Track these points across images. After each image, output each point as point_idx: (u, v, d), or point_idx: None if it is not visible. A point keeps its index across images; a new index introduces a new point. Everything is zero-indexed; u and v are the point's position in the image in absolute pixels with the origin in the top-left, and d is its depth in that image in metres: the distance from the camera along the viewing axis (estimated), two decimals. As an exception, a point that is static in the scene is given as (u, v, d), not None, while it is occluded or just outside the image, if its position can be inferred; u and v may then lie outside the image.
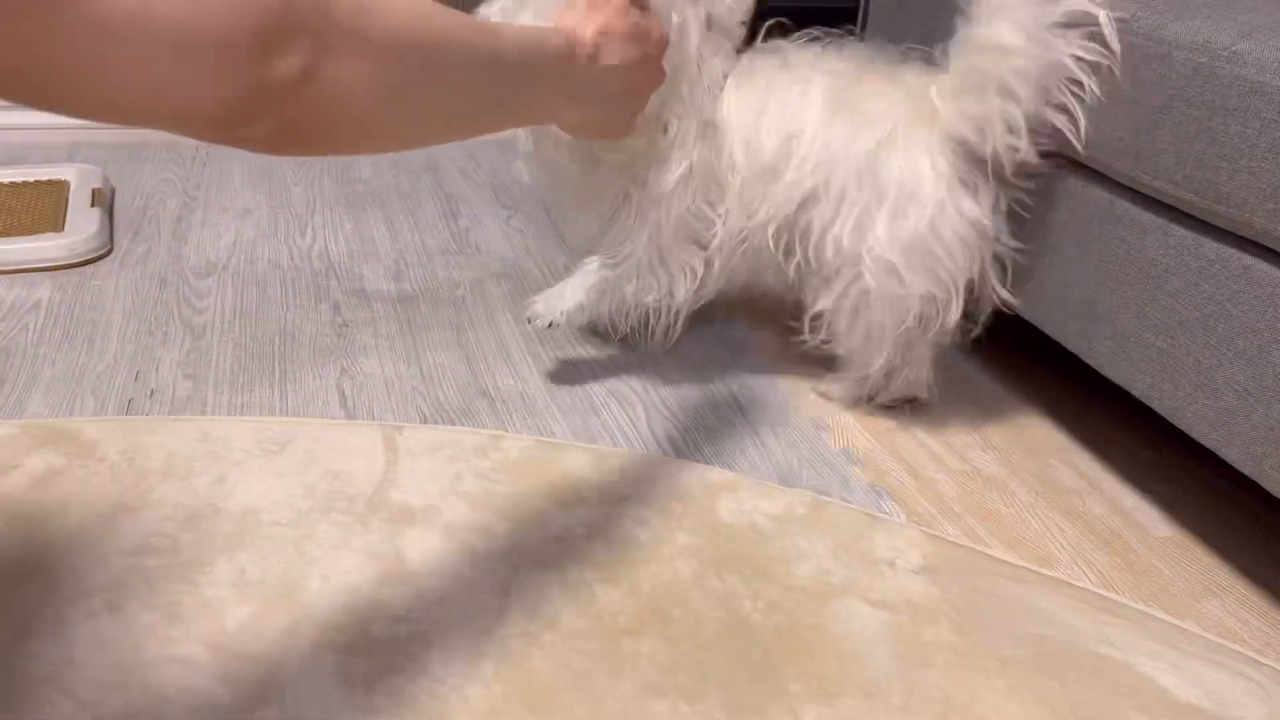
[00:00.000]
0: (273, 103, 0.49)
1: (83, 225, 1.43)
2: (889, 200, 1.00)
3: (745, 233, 1.08)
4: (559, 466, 1.00)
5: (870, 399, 1.15)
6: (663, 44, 0.86)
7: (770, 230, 1.07)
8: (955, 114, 0.99)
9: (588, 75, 0.77)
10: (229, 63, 0.46)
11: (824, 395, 1.19)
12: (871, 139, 1.00)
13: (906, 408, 1.16)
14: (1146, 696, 0.78)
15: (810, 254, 1.06)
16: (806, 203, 1.04)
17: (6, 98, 0.43)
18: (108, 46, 0.43)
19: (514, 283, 1.44)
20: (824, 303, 1.08)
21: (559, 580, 0.85)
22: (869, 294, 1.03)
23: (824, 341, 1.12)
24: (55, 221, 1.43)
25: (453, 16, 0.60)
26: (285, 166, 1.86)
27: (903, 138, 1.00)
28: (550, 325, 1.13)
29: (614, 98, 0.82)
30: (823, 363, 1.19)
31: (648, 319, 1.17)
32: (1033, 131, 0.96)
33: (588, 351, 1.26)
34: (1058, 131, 0.97)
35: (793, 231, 1.07)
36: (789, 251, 1.08)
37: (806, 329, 1.12)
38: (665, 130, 1.00)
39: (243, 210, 1.63)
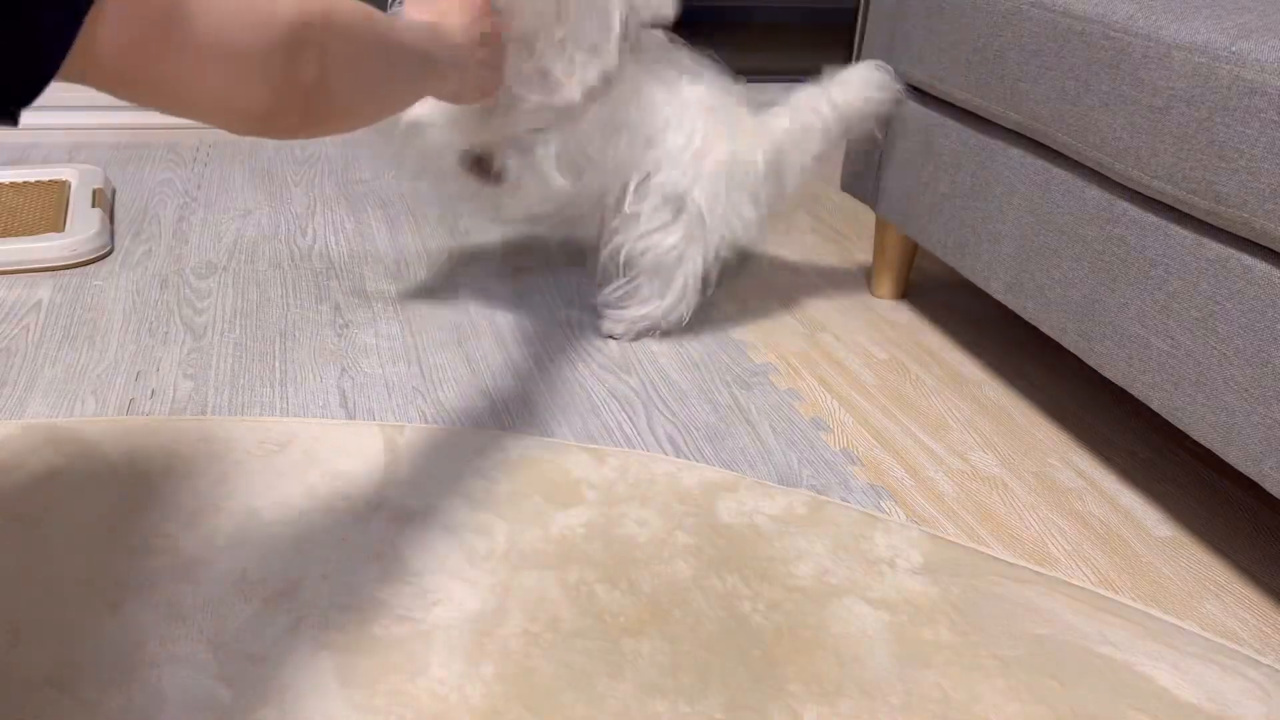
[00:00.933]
0: (300, 99, 0.65)
1: (84, 226, 1.43)
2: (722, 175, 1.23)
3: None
4: (559, 466, 1.01)
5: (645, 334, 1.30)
6: (498, 26, 1.06)
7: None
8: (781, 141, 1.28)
9: (452, 54, 0.95)
10: (272, 70, 0.62)
11: (610, 334, 1.30)
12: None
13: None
14: (1146, 696, 0.78)
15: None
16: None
17: (120, 96, 0.58)
18: (199, 62, 0.58)
19: (514, 283, 1.44)
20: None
21: (559, 580, 0.85)
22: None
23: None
24: (56, 222, 1.44)
25: (384, 19, 0.76)
26: (286, 167, 1.86)
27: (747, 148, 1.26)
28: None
29: (471, 69, 1.00)
30: (819, 364, 1.19)
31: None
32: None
33: (588, 351, 1.26)
34: None
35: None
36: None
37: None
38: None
39: (243, 211, 1.63)
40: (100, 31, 0.53)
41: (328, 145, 2.01)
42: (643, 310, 1.28)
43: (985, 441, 1.13)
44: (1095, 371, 1.02)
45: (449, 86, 0.98)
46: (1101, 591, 0.89)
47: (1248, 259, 0.84)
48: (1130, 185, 0.96)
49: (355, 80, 0.72)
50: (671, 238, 1.22)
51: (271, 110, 0.63)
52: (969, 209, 1.21)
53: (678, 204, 1.21)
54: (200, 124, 1.97)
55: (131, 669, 0.73)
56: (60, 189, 1.55)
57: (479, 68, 1.02)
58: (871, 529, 0.95)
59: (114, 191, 1.66)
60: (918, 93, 1.33)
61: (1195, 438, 0.90)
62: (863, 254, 1.64)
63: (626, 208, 1.22)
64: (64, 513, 0.89)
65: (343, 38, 0.68)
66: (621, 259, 1.25)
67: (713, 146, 1.23)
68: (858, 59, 1.39)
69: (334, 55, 0.67)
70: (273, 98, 0.63)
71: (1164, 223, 0.92)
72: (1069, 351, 1.06)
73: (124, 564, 0.83)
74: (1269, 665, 0.82)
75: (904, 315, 1.43)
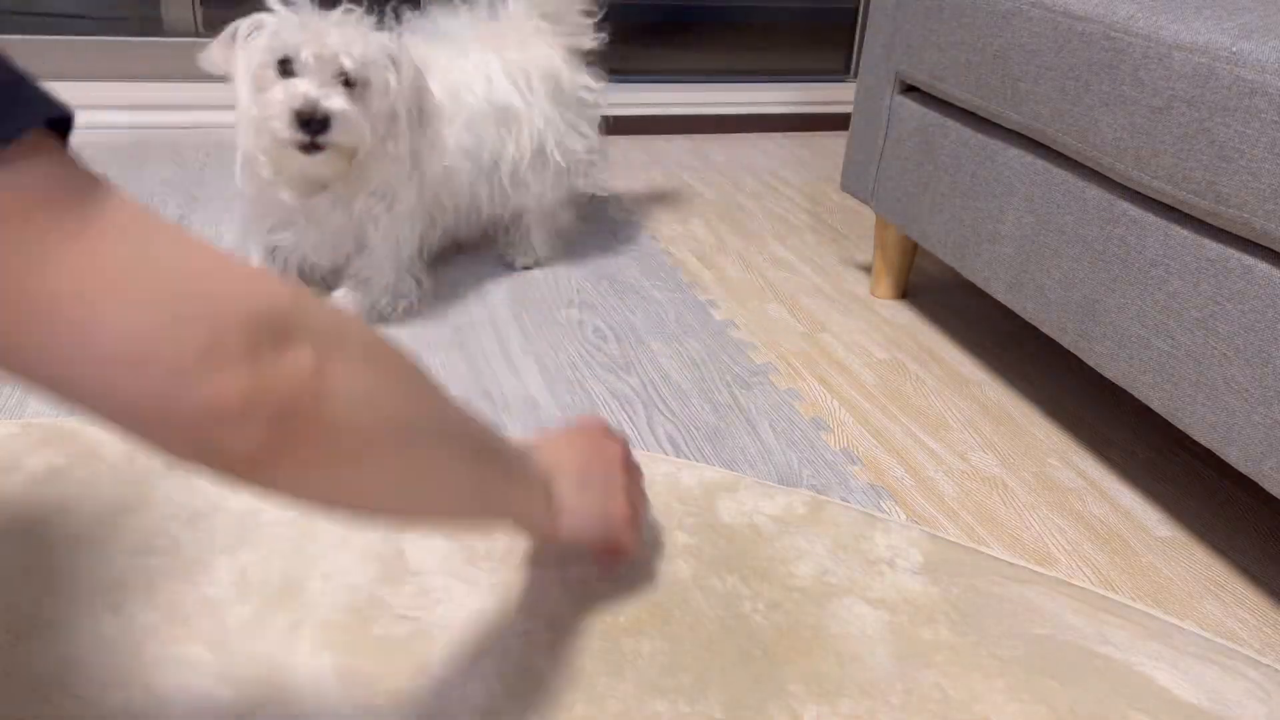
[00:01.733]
0: (273, 398, 0.43)
1: (83, 226, 1.42)
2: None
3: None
4: (559, 466, 1.01)
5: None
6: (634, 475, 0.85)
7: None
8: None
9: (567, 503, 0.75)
10: (219, 353, 0.41)
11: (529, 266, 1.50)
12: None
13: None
14: (1146, 696, 0.78)
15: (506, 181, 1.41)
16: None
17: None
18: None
19: (514, 283, 1.44)
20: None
21: (559, 580, 0.85)
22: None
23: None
24: (56, 222, 1.43)
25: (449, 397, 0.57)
26: (285, 167, 1.86)
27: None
28: None
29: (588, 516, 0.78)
30: (819, 364, 1.19)
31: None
32: None
33: (588, 351, 1.26)
34: None
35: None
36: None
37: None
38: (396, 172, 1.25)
39: (243, 211, 1.63)
40: None
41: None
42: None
43: (985, 441, 1.13)
44: (1095, 371, 1.02)
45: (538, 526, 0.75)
46: (1102, 591, 0.89)
47: (1248, 259, 0.84)
48: (1130, 185, 0.96)
49: (380, 408, 0.49)
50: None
51: (220, 410, 0.41)
52: (969, 209, 1.21)
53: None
54: (201, 124, 1.93)
55: (132, 669, 0.73)
56: (60, 189, 1.55)
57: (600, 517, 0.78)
58: (871, 529, 0.95)
59: (114, 191, 1.65)
60: (918, 92, 1.33)
61: (1195, 438, 0.90)
62: (863, 254, 1.64)
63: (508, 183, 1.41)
64: (64, 513, 0.89)
65: (365, 346, 0.49)
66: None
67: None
68: (858, 59, 1.40)
69: (344, 356, 0.47)
70: (223, 390, 0.41)
71: (1164, 223, 0.92)
72: (1069, 351, 1.06)
73: (124, 564, 0.83)
74: (1269, 665, 0.82)
75: (904, 315, 1.43)
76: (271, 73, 1.14)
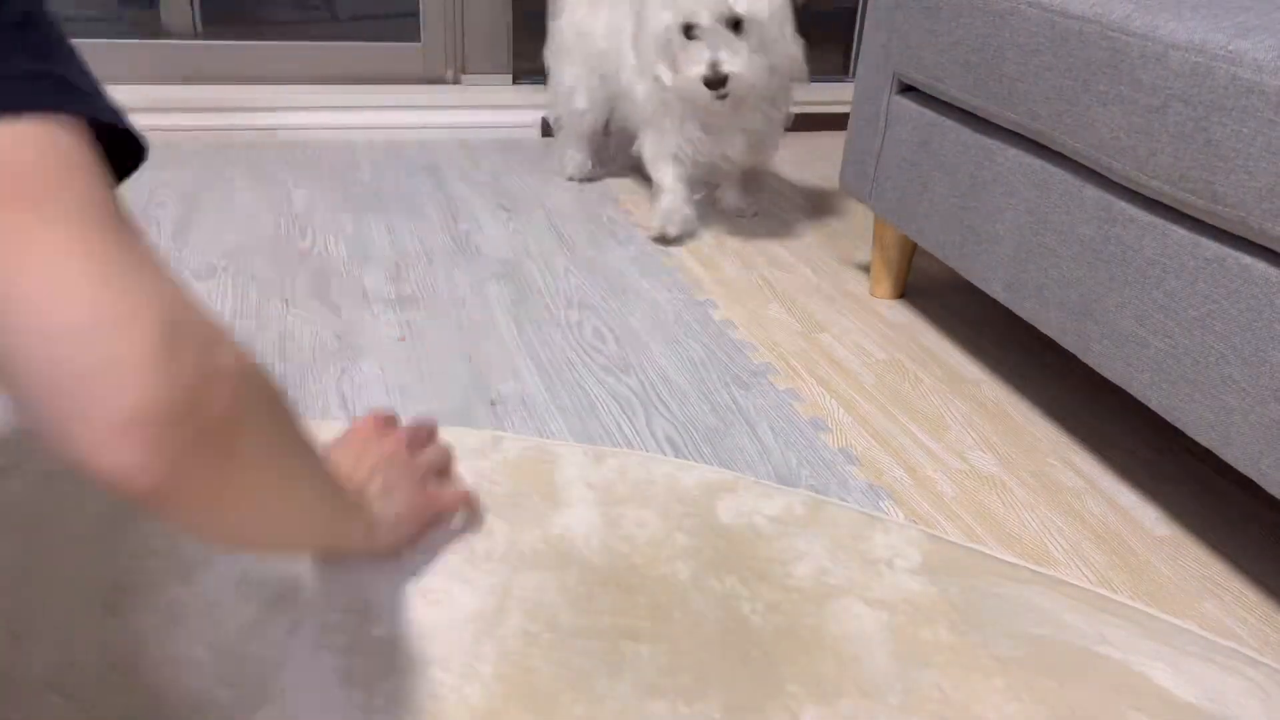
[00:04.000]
0: (193, 406, 0.43)
1: (83, 228, 1.43)
2: None
3: None
4: (559, 466, 1.01)
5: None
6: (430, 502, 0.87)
7: None
8: None
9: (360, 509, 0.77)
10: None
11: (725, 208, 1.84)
12: None
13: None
14: (1145, 696, 0.78)
15: None
16: None
17: None
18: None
19: (514, 284, 1.45)
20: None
21: (558, 581, 0.85)
22: None
23: None
24: (55, 224, 1.43)
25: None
26: (286, 169, 1.86)
27: None
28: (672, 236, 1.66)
29: (382, 527, 0.81)
30: (818, 364, 1.19)
31: None
32: None
33: (588, 352, 1.26)
34: None
35: None
36: None
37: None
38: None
39: (243, 212, 1.63)
40: None
41: (328, 148, 2.01)
42: None
43: (984, 441, 1.13)
44: (1094, 371, 1.03)
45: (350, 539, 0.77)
46: (1100, 591, 0.89)
47: (1245, 258, 0.84)
48: (1128, 185, 0.96)
49: (267, 456, 0.51)
50: None
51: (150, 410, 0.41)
52: (967, 209, 1.21)
53: None
54: (201, 125, 1.94)
55: (131, 671, 0.73)
56: (59, 191, 1.55)
57: (392, 525, 0.81)
58: (870, 529, 0.95)
59: (113, 193, 1.66)
60: (916, 92, 1.33)
61: (1194, 437, 0.90)
62: (861, 254, 1.65)
63: None
64: (63, 514, 0.89)
65: (256, 385, 0.50)
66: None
67: None
68: (856, 59, 1.41)
69: (242, 388, 0.47)
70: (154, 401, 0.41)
71: (1162, 222, 0.93)
72: (1067, 351, 1.06)
73: (123, 565, 0.83)
74: (1268, 664, 0.82)
75: (903, 315, 1.43)
76: (678, 37, 1.45)
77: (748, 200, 1.80)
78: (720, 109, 1.50)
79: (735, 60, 1.42)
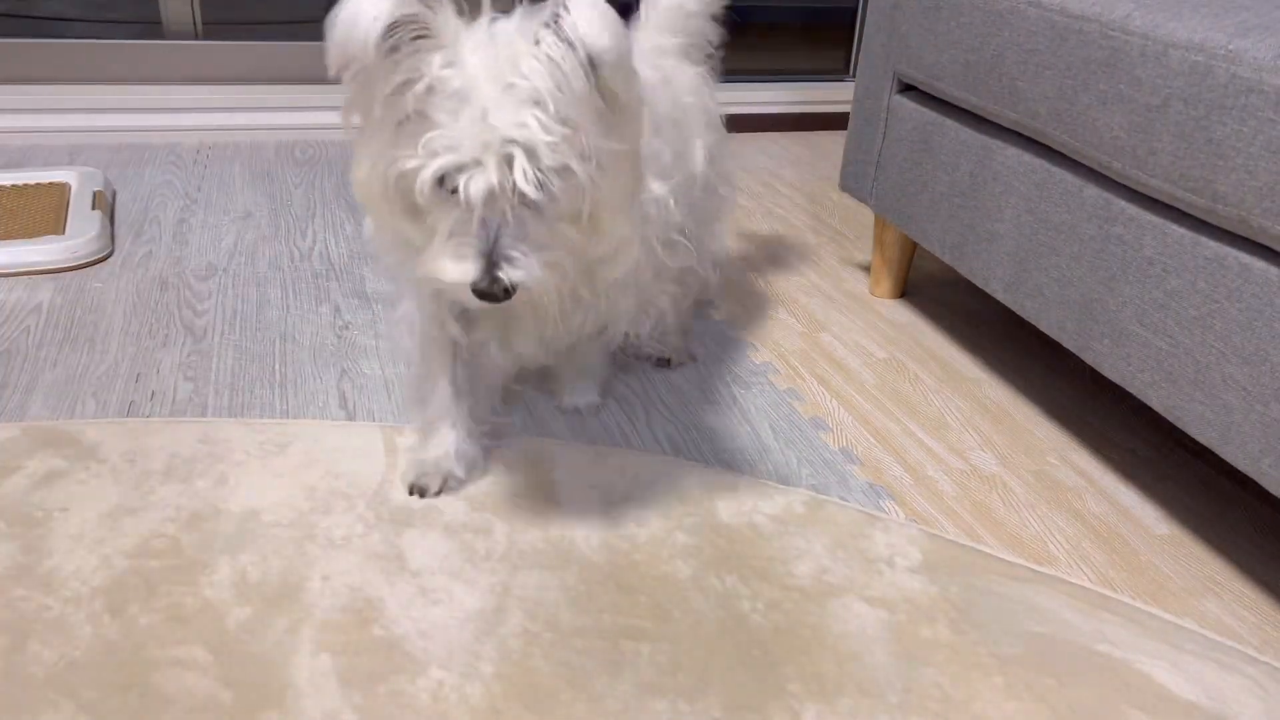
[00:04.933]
0: None
1: (83, 228, 1.43)
2: None
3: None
4: (559, 466, 1.01)
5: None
6: None
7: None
8: None
9: None
10: None
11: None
12: None
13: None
14: (1144, 694, 0.78)
15: None
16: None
17: None
18: None
19: (514, 284, 1.44)
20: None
21: (558, 580, 0.85)
22: None
23: None
24: (56, 224, 1.44)
25: None
26: (286, 169, 1.86)
27: None
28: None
29: None
30: (818, 363, 1.19)
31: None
32: None
33: (587, 352, 1.26)
34: None
35: None
36: None
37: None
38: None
39: (243, 212, 1.63)
40: None
41: (328, 148, 2.01)
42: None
43: (984, 440, 1.13)
44: (1094, 370, 1.02)
45: None
46: (1100, 590, 0.89)
47: (1245, 257, 0.84)
48: (1128, 184, 0.96)
49: None
50: None
51: None
52: (967, 208, 1.21)
53: None
54: (201, 125, 1.93)
55: (132, 671, 0.73)
56: (60, 191, 1.55)
57: None
58: (871, 528, 0.95)
59: (114, 194, 1.66)
60: (916, 92, 1.33)
61: (1194, 436, 0.90)
62: (861, 253, 1.65)
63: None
64: (64, 514, 0.89)
65: None
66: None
67: None
68: (857, 58, 1.38)
69: None
70: None
71: (1162, 221, 0.92)
72: (1068, 350, 1.06)
73: (124, 566, 0.83)
74: (1267, 663, 0.82)
75: (903, 314, 1.43)
76: (434, 191, 0.76)
77: (597, 391, 1.14)
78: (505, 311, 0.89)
79: (527, 262, 0.76)
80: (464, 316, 0.94)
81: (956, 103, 1.22)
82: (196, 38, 2.21)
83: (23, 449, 0.97)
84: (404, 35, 0.72)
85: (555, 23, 0.72)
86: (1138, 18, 0.93)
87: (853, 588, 0.87)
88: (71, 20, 2.19)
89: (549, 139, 0.72)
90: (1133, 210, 0.96)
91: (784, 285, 1.51)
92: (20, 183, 1.58)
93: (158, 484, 0.94)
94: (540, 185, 0.73)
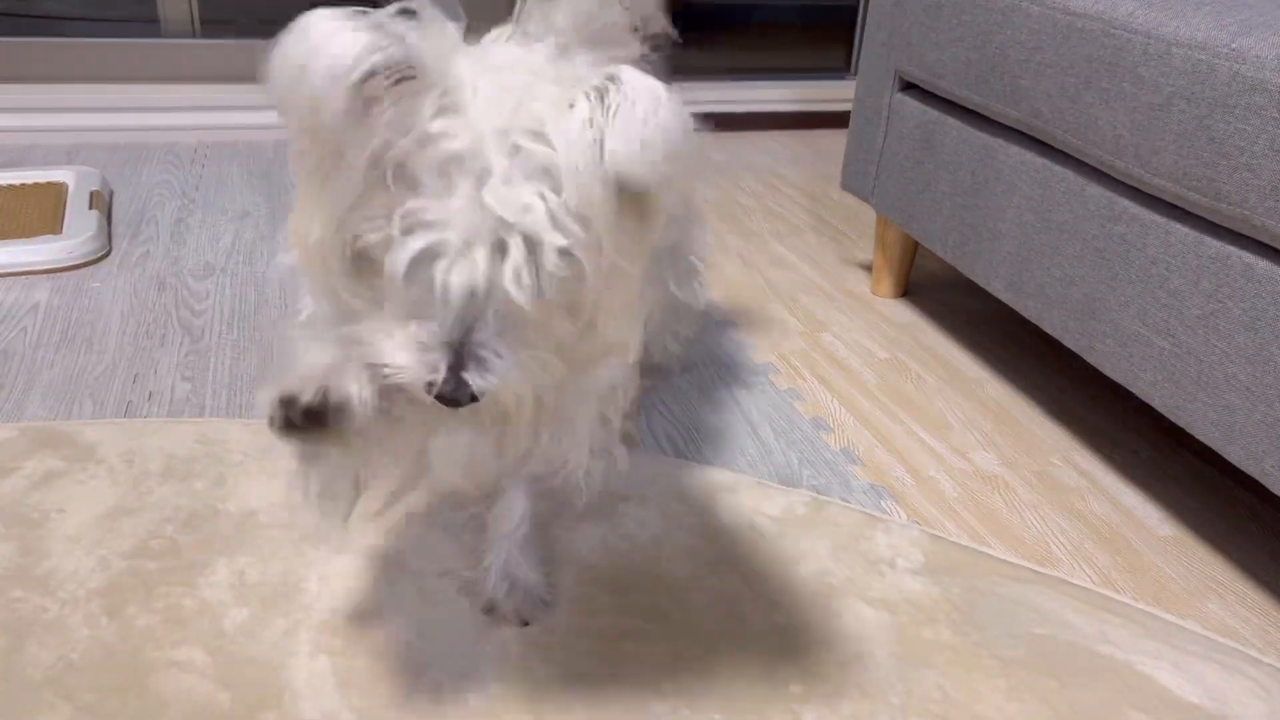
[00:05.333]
0: None
1: (81, 228, 1.43)
2: None
3: None
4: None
5: None
6: None
7: None
8: None
9: None
10: None
11: None
12: None
13: None
14: (1147, 696, 0.78)
15: None
16: None
17: None
18: None
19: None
20: None
21: (558, 581, 0.85)
22: None
23: None
24: (53, 224, 1.43)
25: None
26: (284, 168, 1.86)
27: None
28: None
29: None
30: (819, 363, 1.19)
31: None
32: None
33: (587, 352, 1.26)
34: None
35: None
36: None
37: None
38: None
39: (241, 212, 1.63)
40: None
41: (326, 146, 2.00)
42: None
43: (986, 440, 1.13)
44: (1097, 370, 1.02)
45: None
46: (1103, 591, 0.89)
47: (1248, 256, 0.84)
48: (1131, 183, 0.96)
49: None
50: None
51: None
52: (969, 207, 1.20)
53: None
54: (200, 125, 1.93)
55: (130, 672, 0.73)
56: (57, 191, 1.55)
57: None
58: (872, 529, 0.94)
59: (111, 193, 1.65)
60: (917, 90, 1.33)
61: (1197, 436, 0.90)
62: (863, 253, 1.64)
63: None
64: (62, 515, 0.88)
65: None
66: None
67: None
68: (858, 57, 1.37)
69: None
70: None
71: (1165, 220, 0.92)
72: (1070, 350, 1.06)
73: (121, 567, 0.83)
74: (1270, 664, 0.82)
75: (905, 314, 1.43)
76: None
77: (543, 587, 0.84)
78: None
79: (501, 365, 0.59)
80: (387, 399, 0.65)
81: (958, 101, 1.22)
82: (194, 36, 2.20)
83: (20, 450, 0.97)
84: (381, 84, 0.54)
85: (600, 97, 0.55)
86: (1140, 16, 0.93)
87: (854, 589, 0.86)
88: (69, 19, 2.19)
89: (558, 238, 0.55)
90: (1135, 209, 0.95)
91: (785, 285, 1.50)
92: (17, 182, 1.58)
93: (155, 484, 0.93)
94: (535, 290, 0.56)
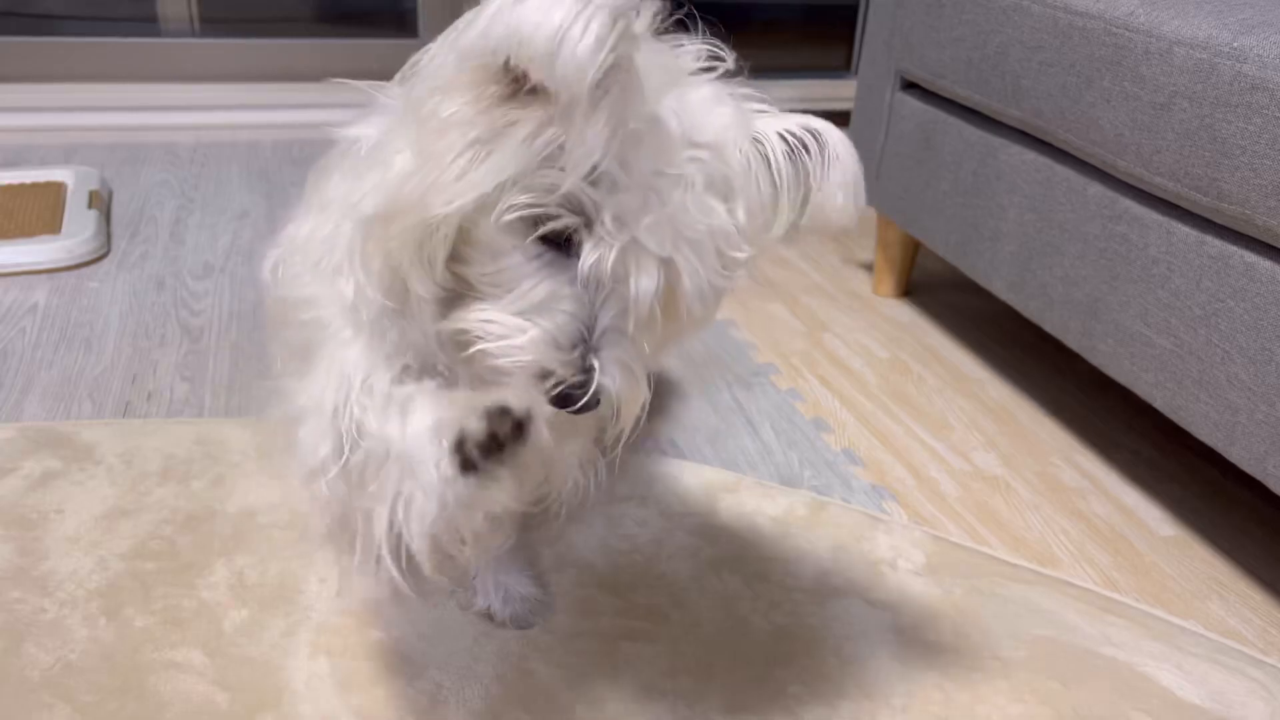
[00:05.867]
0: None
1: (80, 227, 1.42)
2: None
3: None
4: (558, 467, 1.00)
5: None
6: None
7: None
8: None
9: None
10: None
11: None
12: None
13: None
14: (1149, 697, 0.77)
15: None
16: None
17: None
18: None
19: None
20: None
21: (558, 581, 0.84)
22: None
23: None
24: (52, 224, 1.43)
25: None
26: (282, 168, 1.85)
27: None
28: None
29: None
30: (820, 364, 1.18)
31: None
32: None
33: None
34: None
35: None
36: None
37: None
38: None
39: (240, 212, 1.63)
40: None
41: (325, 147, 2.00)
42: None
43: (988, 441, 1.12)
44: (1098, 370, 1.02)
45: None
46: (1104, 592, 0.89)
47: (1250, 256, 0.84)
48: (1132, 182, 0.95)
49: None
50: None
51: None
52: (970, 206, 1.20)
53: None
54: (199, 125, 1.93)
55: (128, 673, 0.73)
56: (56, 191, 1.55)
57: None
58: (873, 530, 0.94)
59: (110, 193, 1.65)
60: (918, 89, 1.33)
61: (1198, 436, 0.90)
62: (864, 252, 1.64)
63: None
64: (60, 516, 0.88)
65: None
66: None
67: None
68: (859, 55, 1.37)
69: None
70: None
71: (1166, 220, 0.92)
72: (1072, 350, 1.06)
73: (120, 568, 0.82)
74: (1272, 665, 0.82)
75: (906, 314, 1.43)
76: (498, 238, 0.56)
77: (537, 589, 0.83)
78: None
79: (624, 373, 0.57)
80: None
81: (959, 100, 1.22)
82: (194, 35, 2.20)
83: (19, 450, 0.97)
84: (615, 76, 0.50)
85: (804, 146, 0.60)
86: (1141, 15, 0.93)
87: (855, 590, 0.86)
88: (67, 18, 2.18)
89: (739, 254, 0.57)
90: (1137, 209, 0.95)
91: (785, 284, 1.50)
92: (16, 182, 1.58)
93: (154, 485, 0.93)
94: (708, 302, 0.56)
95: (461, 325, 0.57)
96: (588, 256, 0.54)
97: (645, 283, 0.55)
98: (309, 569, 0.84)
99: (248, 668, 0.74)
